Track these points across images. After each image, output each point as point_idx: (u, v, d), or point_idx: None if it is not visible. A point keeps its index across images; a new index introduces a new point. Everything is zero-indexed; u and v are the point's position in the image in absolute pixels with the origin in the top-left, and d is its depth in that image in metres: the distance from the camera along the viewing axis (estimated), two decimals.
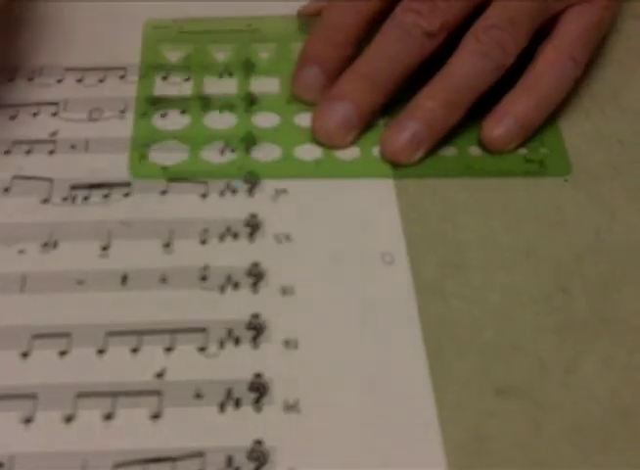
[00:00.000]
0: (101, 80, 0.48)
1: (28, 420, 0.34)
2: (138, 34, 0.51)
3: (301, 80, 0.47)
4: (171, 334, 0.37)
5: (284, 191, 0.43)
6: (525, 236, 0.41)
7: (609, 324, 0.38)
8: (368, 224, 0.42)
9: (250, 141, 0.45)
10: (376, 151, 0.44)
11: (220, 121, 0.46)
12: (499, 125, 0.44)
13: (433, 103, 0.43)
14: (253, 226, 0.41)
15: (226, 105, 0.47)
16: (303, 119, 0.46)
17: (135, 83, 0.48)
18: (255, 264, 0.40)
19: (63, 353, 0.36)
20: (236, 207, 0.42)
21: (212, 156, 0.44)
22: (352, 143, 0.45)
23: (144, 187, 0.43)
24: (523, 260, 0.40)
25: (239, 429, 0.34)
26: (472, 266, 0.40)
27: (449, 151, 0.45)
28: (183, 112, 0.47)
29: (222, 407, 0.35)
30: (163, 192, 0.42)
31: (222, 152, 0.44)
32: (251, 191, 0.43)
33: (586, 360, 0.37)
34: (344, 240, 0.41)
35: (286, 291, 0.39)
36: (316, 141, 0.45)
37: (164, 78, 0.48)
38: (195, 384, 0.35)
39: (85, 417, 0.34)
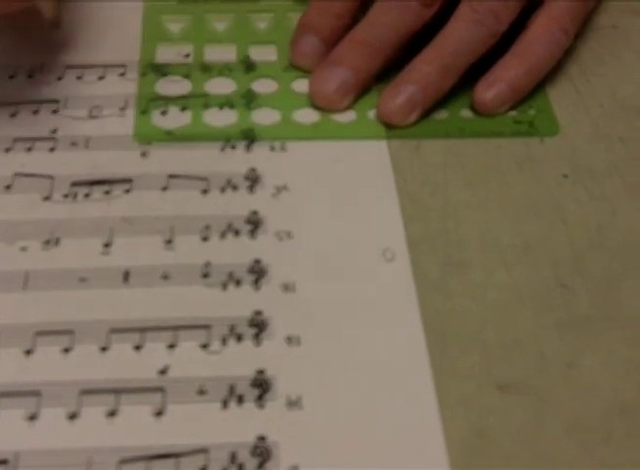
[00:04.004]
0: (101, 78, 0.48)
1: (33, 417, 0.34)
2: (137, 19, 0.52)
3: (299, 48, 0.49)
4: (174, 331, 0.37)
5: (284, 188, 0.43)
6: (526, 233, 0.41)
7: (610, 320, 0.38)
8: (369, 218, 0.42)
9: (249, 98, 0.47)
10: (371, 114, 0.46)
11: (220, 86, 0.48)
12: (491, 89, 0.46)
13: (428, 68, 0.45)
14: (255, 223, 0.41)
15: (225, 69, 0.49)
16: (301, 85, 0.48)
17: (135, 80, 0.48)
18: (257, 261, 0.40)
19: (66, 351, 0.36)
20: (237, 203, 0.42)
21: (214, 118, 0.46)
22: (349, 107, 0.47)
23: (145, 183, 0.43)
24: (523, 257, 0.40)
25: (242, 425, 0.34)
26: (472, 263, 0.40)
27: (441, 114, 0.47)
28: (185, 76, 0.48)
29: (225, 404, 0.35)
30: (164, 188, 0.43)
31: (222, 108, 0.46)
32: (250, 151, 0.44)
33: (587, 356, 0.37)
34: (345, 237, 0.41)
35: (287, 287, 0.39)
36: (314, 105, 0.47)
37: (166, 47, 0.50)
38: (198, 381, 0.35)
39: (89, 414, 0.34)
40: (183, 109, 0.46)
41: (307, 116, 0.47)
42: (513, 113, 0.47)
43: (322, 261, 0.40)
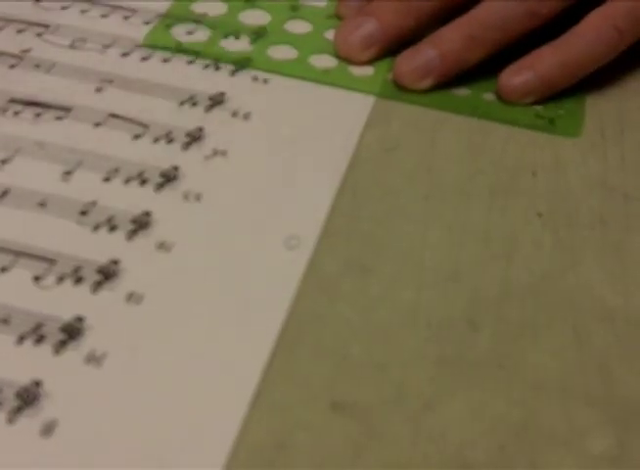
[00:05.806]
0: (104, 16, 0.46)
1: None
2: None
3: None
4: (15, 256, 0.34)
5: (223, 153, 0.39)
6: (460, 260, 0.36)
7: (501, 370, 0.32)
8: (295, 200, 0.38)
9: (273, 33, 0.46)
10: (389, 76, 0.44)
11: (253, 17, 0.47)
12: (518, 75, 0.43)
13: (453, 35, 0.43)
14: (168, 178, 0.38)
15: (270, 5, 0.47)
16: (333, 34, 0.46)
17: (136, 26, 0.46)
18: (146, 214, 0.36)
19: None
20: (162, 155, 0.39)
21: (230, 45, 0.45)
22: (369, 61, 0.44)
23: (80, 117, 0.40)
24: (440, 283, 0.35)
25: (24, 366, 0.30)
26: (380, 273, 0.35)
27: (462, 91, 0.44)
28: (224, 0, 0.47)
29: (21, 340, 0.31)
30: (97, 124, 0.40)
31: (238, 37, 0.45)
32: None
33: (449, 401, 0.31)
34: (260, 214, 0.37)
35: (163, 246, 0.35)
36: (335, 53, 0.45)
37: None
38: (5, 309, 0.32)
39: None
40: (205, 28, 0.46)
41: (323, 61, 0.44)
42: (538, 107, 0.43)
43: (219, 229, 0.36)
